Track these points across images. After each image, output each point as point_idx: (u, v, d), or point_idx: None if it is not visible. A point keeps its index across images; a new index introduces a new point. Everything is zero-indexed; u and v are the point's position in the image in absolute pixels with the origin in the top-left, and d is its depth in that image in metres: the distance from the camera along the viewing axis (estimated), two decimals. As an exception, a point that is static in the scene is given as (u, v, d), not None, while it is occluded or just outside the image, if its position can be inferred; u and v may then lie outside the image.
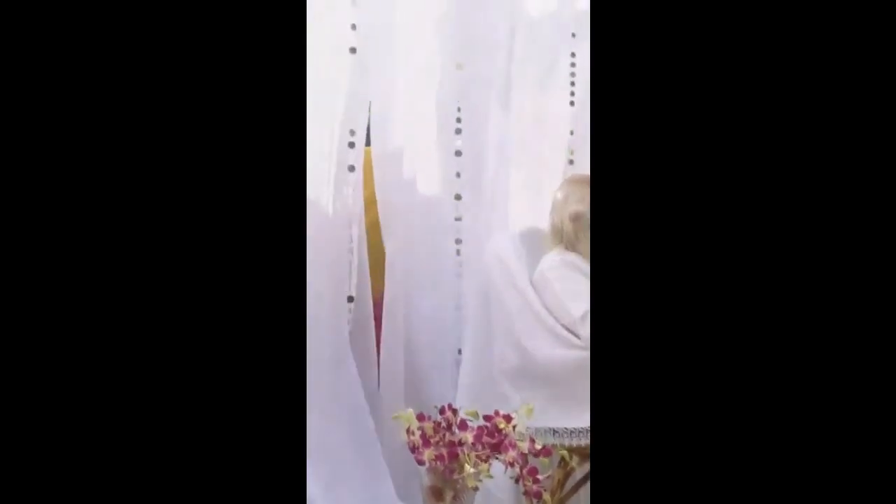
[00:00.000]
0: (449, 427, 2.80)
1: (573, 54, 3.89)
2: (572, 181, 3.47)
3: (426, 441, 2.77)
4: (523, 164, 3.76)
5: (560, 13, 3.86)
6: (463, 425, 2.79)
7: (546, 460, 2.92)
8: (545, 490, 2.91)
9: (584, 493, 3.40)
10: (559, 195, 3.42)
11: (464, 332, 3.55)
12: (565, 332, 3.20)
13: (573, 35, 3.86)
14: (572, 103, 3.92)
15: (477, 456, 2.76)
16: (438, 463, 2.76)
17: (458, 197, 3.65)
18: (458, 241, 3.64)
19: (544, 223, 3.46)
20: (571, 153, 3.89)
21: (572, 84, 3.91)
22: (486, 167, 3.63)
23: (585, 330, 3.15)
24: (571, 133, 3.92)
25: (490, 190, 3.63)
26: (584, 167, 3.72)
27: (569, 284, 3.24)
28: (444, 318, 3.64)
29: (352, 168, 3.38)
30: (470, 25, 3.62)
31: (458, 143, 3.61)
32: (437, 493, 2.81)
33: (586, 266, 3.30)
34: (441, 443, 2.78)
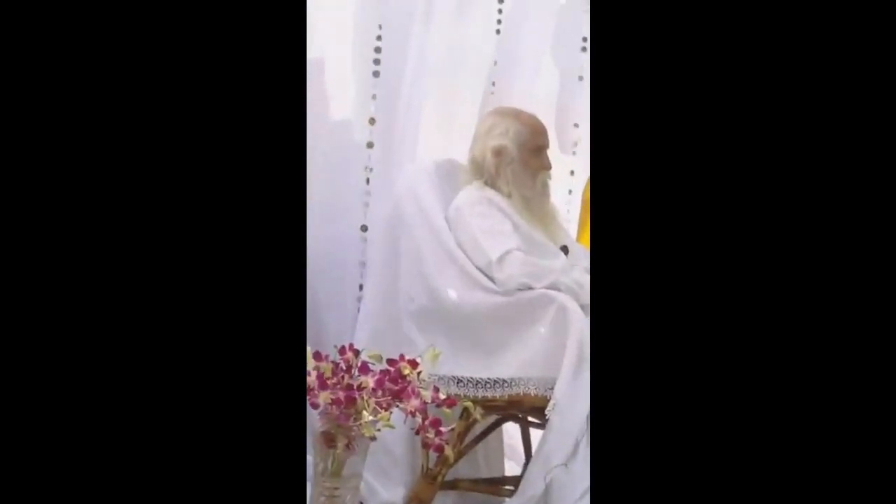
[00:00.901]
0: (349, 369, 2.61)
1: None
2: (498, 113, 3.29)
3: (323, 383, 2.56)
4: (443, 92, 3.57)
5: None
6: (364, 368, 2.60)
7: (449, 412, 2.76)
8: (447, 443, 2.73)
9: (483, 448, 3.27)
10: (482, 127, 3.24)
11: (368, 267, 3.36)
12: (479, 275, 3.04)
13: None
14: (498, 31, 3.74)
15: (377, 403, 2.58)
16: (334, 407, 2.56)
17: (372, 121, 3.43)
18: (368, 169, 3.43)
19: (463, 156, 3.28)
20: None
21: (499, 12, 3.74)
22: (403, 92, 3.44)
23: (502, 273, 2.99)
24: (496, 63, 3.73)
25: (405, 116, 3.44)
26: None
27: (487, 223, 3.08)
28: (346, 250, 3.43)
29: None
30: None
31: (377, 63, 3.41)
32: (328, 438, 2.61)
33: (506, 204, 3.11)
34: (339, 386, 2.58)
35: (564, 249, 3.14)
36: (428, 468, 2.97)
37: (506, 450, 3.52)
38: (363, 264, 3.38)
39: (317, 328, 3.24)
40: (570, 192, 4.02)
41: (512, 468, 3.45)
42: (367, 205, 3.40)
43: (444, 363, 2.86)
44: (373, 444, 2.88)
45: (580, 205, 4.08)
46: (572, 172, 4.01)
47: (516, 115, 3.22)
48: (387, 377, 2.59)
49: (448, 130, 3.54)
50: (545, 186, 3.23)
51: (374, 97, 3.40)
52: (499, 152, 3.15)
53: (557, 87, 3.99)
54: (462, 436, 3.02)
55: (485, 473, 3.31)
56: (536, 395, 2.92)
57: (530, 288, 2.97)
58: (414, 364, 2.66)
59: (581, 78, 3.95)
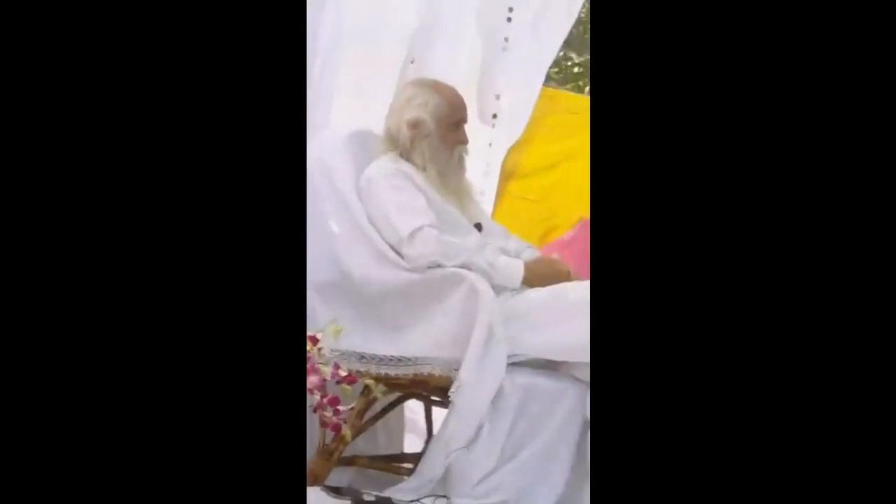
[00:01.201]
0: None
1: None
2: (417, 84, 3.20)
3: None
4: (357, 59, 3.44)
5: None
6: None
7: (349, 389, 2.75)
8: (345, 422, 2.68)
9: (384, 424, 3.20)
10: (400, 97, 3.15)
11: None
12: (389, 250, 2.96)
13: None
14: None
15: None
16: None
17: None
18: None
19: (377, 127, 3.18)
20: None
21: None
22: (315, 58, 3.31)
23: (412, 249, 2.93)
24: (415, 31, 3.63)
25: (317, 83, 3.32)
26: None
27: (400, 196, 2.99)
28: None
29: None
30: None
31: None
32: None
33: (420, 178, 3.04)
34: None
35: (478, 227, 3.07)
36: (324, 444, 2.90)
37: (407, 423, 3.46)
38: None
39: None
40: (488, 164, 3.97)
41: (413, 442, 3.39)
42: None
43: (348, 338, 2.81)
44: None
45: (497, 178, 4.05)
46: (490, 144, 3.96)
47: (436, 87, 3.13)
48: None
49: (365, 99, 3.43)
50: (461, 161, 3.15)
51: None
52: (415, 125, 3.06)
53: (480, 56, 3.93)
54: (361, 413, 2.95)
55: (384, 450, 3.24)
56: (441, 376, 2.87)
57: (441, 266, 2.91)
58: (314, 340, 2.61)
59: (505, 48, 3.87)
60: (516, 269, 2.96)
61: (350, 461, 3.03)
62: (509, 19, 3.86)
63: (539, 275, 2.99)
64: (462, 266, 2.90)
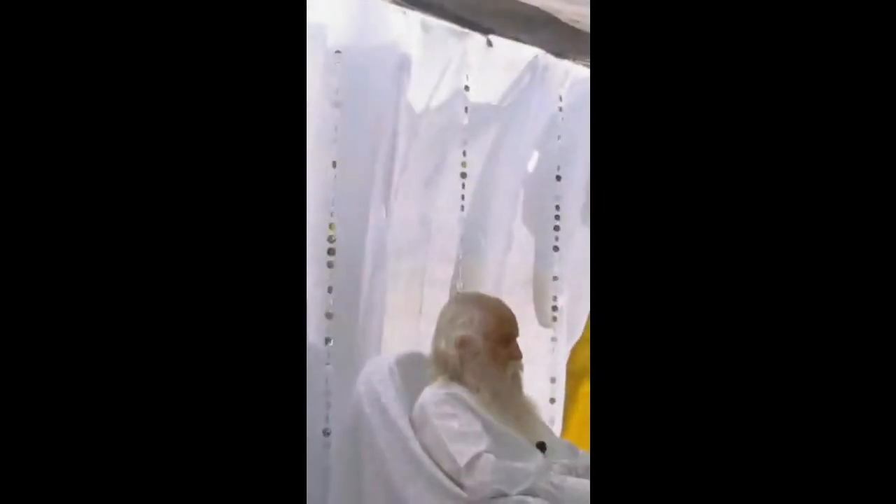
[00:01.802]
0: None
1: (464, 153, 3.60)
2: (460, 300, 3.13)
3: None
4: (403, 278, 3.36)
5: (450, 105, 3.53)
6: None
7: None
8: None
9: None
10: (445, 316, 3.04)
11: (330, 474, 3.08)
12: (447, 480, 2.81)
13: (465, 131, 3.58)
14: (462, 208, 3.59)
15: None
16: None
17: (328, 315, 3.20)
18: (326, 365, 3.17)
19: (426, 348, 3.06)
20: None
21: (463, 187, 3.59)
22: (362, 280, 3.22)
23: (471, 479, 2.78)
24: (461, 242, 3.58)
25: (364, 307, 3.22)
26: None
27: (453, 423, 2.85)
28: (307, 456, 3.15)
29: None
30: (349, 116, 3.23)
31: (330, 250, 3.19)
32: None
33: (474, 400, 2.91)
34: None
35: (541, 446, 2.90)
36: None
37: None
38: (326, 471, 3.12)
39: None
40: (554, 369, 3.84)
41: None
42: (328, 405, 3.16)
43: None
44: None
45: (564, 381, 3.90)
46: (553, 346, 3.84)
47: (479, 301, 3.05)
48: None
49: (416, 319, 3.34)
50: (516, 378, 3.01)
51: (329, 289, 3.20)
52: (463, 344, 2.95)
53: (532, 258, 3.86)
54: None
55: None
56: None
57: (504, 495, 2.75)
58: None
59: (557, 248, 3.80)
60: (585, 490, 2.78)
61: None
62: (557, 216, 3.79)
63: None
64: (526, 492, 2.75)
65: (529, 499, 2.71)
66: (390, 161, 3.30)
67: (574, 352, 3.87)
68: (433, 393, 2.92)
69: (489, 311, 2.99)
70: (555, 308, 3.88)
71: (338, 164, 3.15)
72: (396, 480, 2.85)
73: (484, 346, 2.94)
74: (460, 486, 2.77)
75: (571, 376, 3.92)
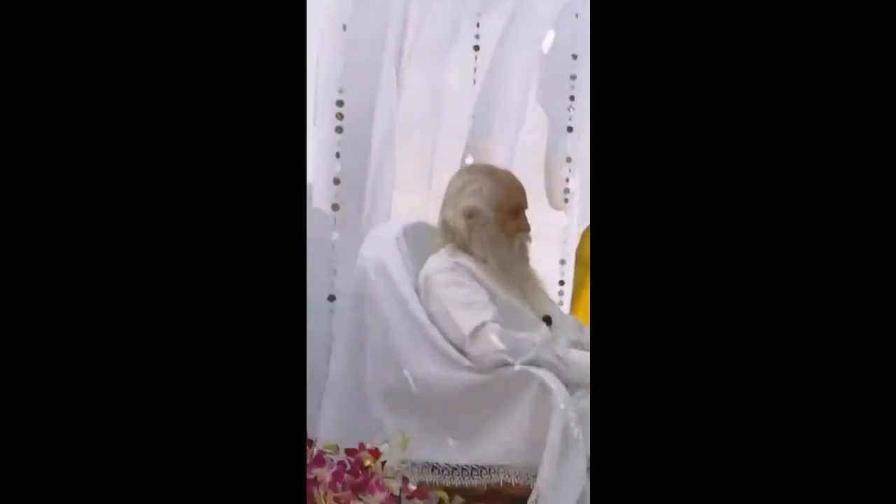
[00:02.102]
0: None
1: (478, 25, 3.55)
2: (470, 170, 3.06)
3: (273, 478, 2.31)
4: (413, 150, 3.34)
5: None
6: (319, 460, 2.37)
7: (421, 503, 2.53)
8: None
9: None
10: (454, 185, 2.98)
11: (333, 343, 3.08)
12: (452, 350, 2.80)
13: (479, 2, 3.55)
14: (475, 82, 3.56)
15: (335, 499, 2.36)
16: None
17: (336, 181, 3.16)
18: (333, 232, 3.17)
19: (434, 220, 3.04)
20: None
21: (475, 59, 3.56)
22: (370, 149, 3.20)
23: (475, 348, 2.77)
24: (472, 117, 3.54)
25: (373, 176, 3.19)
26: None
27: (460, 292, 2.83)
28: (312, 323, 3.14)
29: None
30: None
31: (338, 118, 3.16)
32: None
33: (480, 270, 2.88)
34: None
35: (547, 320, 2.87)
36: (401, 566, 2.70)
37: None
38: (331, 338, 3.11)
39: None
40: (564, 252, 3.81)
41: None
42: (334, 272, 3.15)
43: (418, 448, 2.62)
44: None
45: (574, 265, 3.87)
46: (565, 230, 3.82)
47: (490, 172, 2.98)
48: (345, 469, 2.37)
49: (424, 189, 3.29)
50: (524, 250, 2.96)
51: (337, 155, 3.15)
52: (471, 213, 2.90)
53: (546, 137, 3.80)
54: None
55: (470, 568, 3.04)
56: (518, 485, 2.68)
57: (508, 364, 2.74)
58: (376, 454, 2.45)
59: (570, 129, 3.74)
60: (589, 363, 2.76)
61: (431, 582, 2.84)
62: (572, 97, 3.73)
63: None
64: (530, 363, 2.73)
65: (533, 369, 2.70)
66: (402, 26, 3.25)
67: (584, 237, 3.84)
68: (439, 261, 2.89)
69: (499, 181, 2.94)
70: (566, 190, 3.88)
71: (348, 27, 3.11)
72: (400, 348, 2.83)
73: (493, 216, 2.90)
74: (465, 354, 2.77)
75: (581, 262, 3.89)
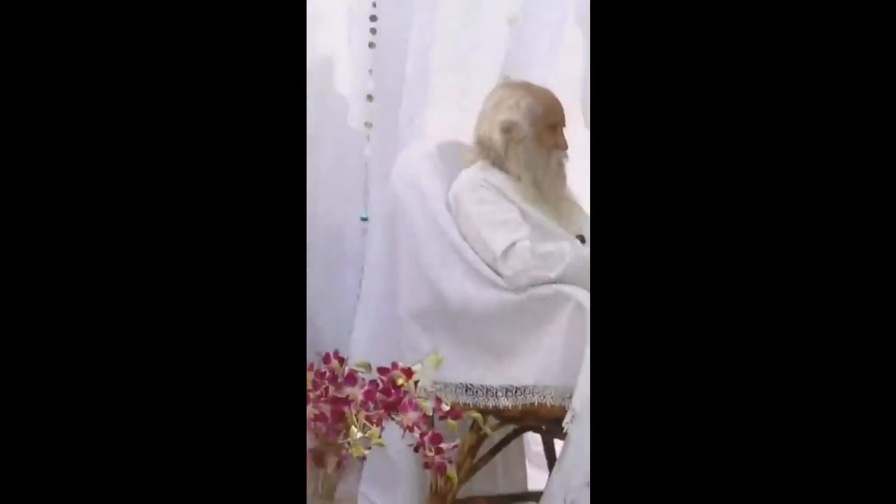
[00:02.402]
0: (334, 379, 2.35)
1: None
2: (508, 86, 2.96)
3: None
4: (449, 67, 3.24)
5: None
6: (351, 379, 2.34)
7: (454, 424, 2.49)
8: (450, 462, 2.45)
9: (503, 459, 3.01)
10: (490, 100, 2.92)
11: (366, 262, 3.05)
12: (487, 269, 2.74)
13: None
14: None
15: (367, 417, 2.33)
16: (320, 423, 2.33)
17: (369, 98, 3.12)
18: (366, 150, 3.13)
19: (468, 139, 2.96)
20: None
21: None
22: (404, 66, 3.10)
23: (508, 268, 2.71)
24: (510, 34, 3.36)
25: (407, 93, 3.10)
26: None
27: (490, 210, 2.77)
28: (345, 243, 3.13)
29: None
30: None
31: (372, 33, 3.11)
32: (318, 457, 2.39)
33: (512, 188, 2.81)
34: (323, 398, 2.34)
35: (581, 239, 2.81)
36: (437, 487, 2.69)
37: (532, 457, 3.24)
38: (363, 258, 3.07)
39: (311, 330, 2.92)
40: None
41: (538, 477, 3.16)
42: (367, 192, 3.10)
43: (451, 369, 2.64)
44: (376, 459, 2.66)
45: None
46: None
47: (528, 88, 2.91)
48: (377, 388, 2.34)
49: (459, 108, 3.21)
50: (561, 167, 2.89)
51: (370, 72, 3.09)
52: (508, 128, 2.83)
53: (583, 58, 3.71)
54: (473, 450, 2.76)
55: (504, 488, 3.04)
56: (554, 406, 2.64)
57: (541, 281, 2.68)
58: (409, 373, 2.41)
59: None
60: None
61: (467, 503, 2.83)
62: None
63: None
64: (563, 275, 2.68)
65: (568, 288, 2.64)
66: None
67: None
68: (469, 177, 2.83)
69: (537, 96, 2.87)
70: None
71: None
72: (434, 269, 2.78)
73: (530, 131, 2.83)
74: (498, 273, 2.72)
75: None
